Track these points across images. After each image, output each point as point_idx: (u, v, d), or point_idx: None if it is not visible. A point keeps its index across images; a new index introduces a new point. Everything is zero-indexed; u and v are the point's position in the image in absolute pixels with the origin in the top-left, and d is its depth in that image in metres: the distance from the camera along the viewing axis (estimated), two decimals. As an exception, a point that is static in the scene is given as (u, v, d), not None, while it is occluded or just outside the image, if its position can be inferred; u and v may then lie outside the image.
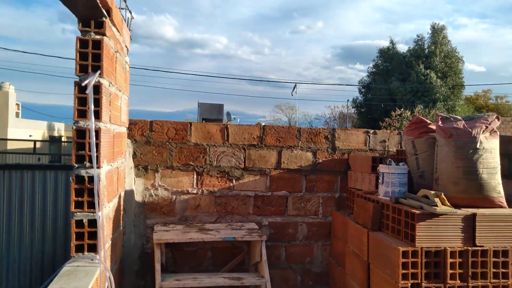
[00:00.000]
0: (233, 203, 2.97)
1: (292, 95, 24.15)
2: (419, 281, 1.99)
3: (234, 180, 2.97)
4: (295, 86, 23.74)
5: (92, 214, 1.70)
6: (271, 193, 3.03)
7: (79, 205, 1.70)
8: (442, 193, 2.13)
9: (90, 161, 1.66)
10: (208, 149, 2.92)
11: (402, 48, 26.84)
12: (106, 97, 1.80)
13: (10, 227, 3.27)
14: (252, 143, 2.98)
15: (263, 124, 3.63)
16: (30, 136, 19.82)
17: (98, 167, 1.69)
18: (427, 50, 23.55)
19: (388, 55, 24.78)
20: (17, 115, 21.67)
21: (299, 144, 3.05)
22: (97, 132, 1.68)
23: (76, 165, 1.67)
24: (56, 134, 24.91)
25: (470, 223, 2.07)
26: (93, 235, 1.72)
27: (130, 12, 2.30)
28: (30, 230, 3.29)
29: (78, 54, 1.63)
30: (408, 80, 22.45)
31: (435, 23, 24.29)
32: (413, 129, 2.67)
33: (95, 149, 1.65)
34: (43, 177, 3.30)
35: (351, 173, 3.01)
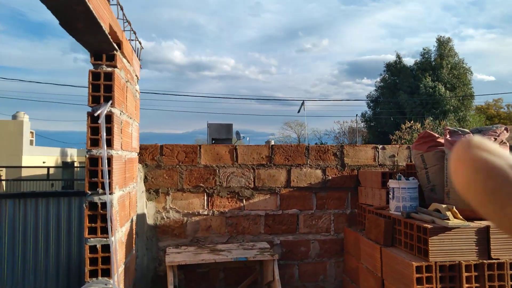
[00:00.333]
0: (244, 223, 2.98)
1: (299, 112, 24.18)
2: (435, 298, 1.96)
3: (244, 200, 2.99)
4: (303, 103, 23.79)
5: (105, 239, 1.73)
6: (281, 212, 3.03)
7: (92, 231, 1.74)
8: (454, 207, 2.11)
9: (103, 188, 1.71)
10: (217, 170, 2.96)
11: (409, 61, 26.92)
12: (118, 125, 1.86)
13: (25, 254, 3.32)
14: (261, 163, 3.01)
15: (273, 141, 3.65)
16: (43, 162, 20.19)
17: (111, 193, 1.73)
18: (433, 62, 23.58)
19: (395, 69, 24.87)
20: (31, 142, 22.14)
21: (308, 162, 3.07)
22: (109, 159, 1.74)
23: (90, 192, 1.72)
24: (69, 159, 25.32)
25: (484, 236, 2.04)
26: (107, 260, 1.75)
27: (140, 43, 2.39)
28: (44, 256, 3.33)
29: (90, 86, 1.70)
30: (417, 93, 22.40)
31: (441, 36, 24.41)
32: (422, 143, 2.67)
33: (107, 177, 1.69)
34: (57, 203, 3.36)
35: (362, 189, 3.00)
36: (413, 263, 1.97)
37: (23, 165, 18.11)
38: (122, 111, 1.97)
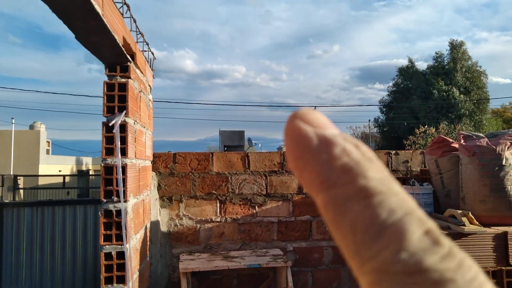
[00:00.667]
0: (257, 230, 2.98)
1: None
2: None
3: (256, 206, 2.99)
4: (315, 109, 23.75)
5: (120, 246, 1.76)
6: (294, 218, 3.02)
7: (107, 238, 1.77)
8: (470, 212, 2.08)
9: (118, 196, 1.74)
10: (230, 178, 2.98)
11: (421, 65, 26.64)
12: (132, 135, 1.90)
13: (43, 261, 3.39)
14: (273, 170, 3.02)
15: (285, 149, 3.67)
16: (59, 171, 20.57)
17: (125, 201, 1.77)
18: (447, 66, 23.28)
19: (407, 73, 24.63)
20: (47, 152, 22.62)
21: (320, 168, 3.06)
22: (124, 168, 1.77)
23: (105, 200, 1.75)
24: (84, 168, 25.75)
25: (502, 242, 2.00)
26: (122, 267, 1.78)
27: (152, 53, 2.44)
28: (61, 263, 3.39)
29: (105, 97, 1.75)
30: (430, 98, 22.13)
31: (453, 40, 24.11)
32: (435, 148, 2.65)
33: (122, 185, 1.73)
34: (73, 211, 3.43)
35: (374, 195, 2.97)
36: (428, 270, 1.94)
37: (40, 173, 18.49)
38: (136, 121, 2.01)
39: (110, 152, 1.75)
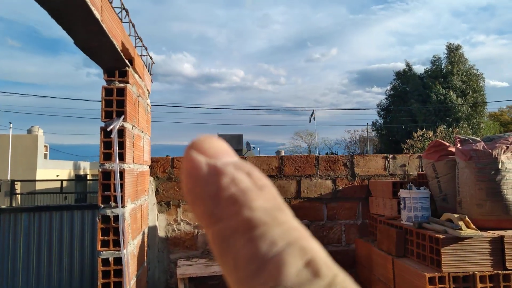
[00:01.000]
0: (255, 235, 2.98)
1: (310, 122, 24.27)
2: (450, 310, 1.92)
3: (254, 211, 2.99)
4: (313, 113, 23.89)
5: (117, 252, 1.76)
6: (292, 223, 3.02)
7: (105, 244, 1.77)
8: (466, 216, 2.09)
9: (115, 201, 1.74)
10: (228, 182, 2.97)
11: (419, 69, 26.75)
12: (130, 139, 1.90)
13: (40, 266, 3.37)
14: (271, 174, 3.02)
15: (283, 152, 3.66)
16: (57, 176, 20.50)
17: (123, 206, 1.77)
18: (444, 70, 23.41)
19: (405, 77, 24.74)
20: (45, 156, 22.54)
21: (318, 172, 3.07)
22: (121, 173, 1.77)
23: (102, 206, 1.75)
24: (81, 172, 25.66)
25: (498, 246, 2.01)
26: (119, 273, 1.77)
27: (151, 58, 2.45)
28: (58, 269, 3.37)
29: (103, 102, 1.75)
30: (428, 101, 22.22)
31: (450, 43, 24.24)
32: (432, 152, 2.66)
33: (119, 190, 1.73)
34: (70, 217, 3.42)
35: (372, 199, 2.98)
36: (426, 274, 1.95)
37: (37, 178, 18.42)
38: (134, 126, 2.01)
39: (108, 157, 1.75)
